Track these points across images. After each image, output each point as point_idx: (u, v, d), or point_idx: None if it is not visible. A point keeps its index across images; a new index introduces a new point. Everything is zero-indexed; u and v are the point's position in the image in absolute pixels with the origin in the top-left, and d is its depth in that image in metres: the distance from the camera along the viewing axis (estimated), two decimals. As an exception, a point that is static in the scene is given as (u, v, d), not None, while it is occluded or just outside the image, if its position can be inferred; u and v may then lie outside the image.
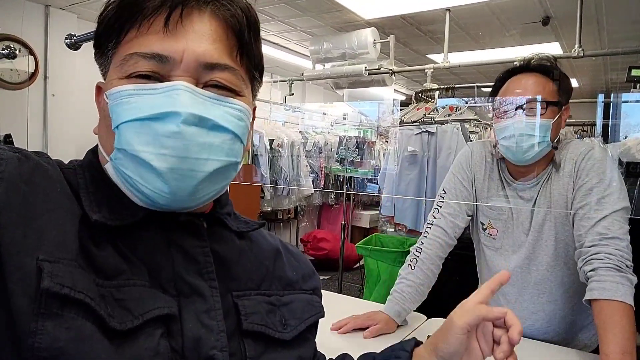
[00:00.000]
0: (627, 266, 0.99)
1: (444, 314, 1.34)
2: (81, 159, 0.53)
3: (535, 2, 3.04)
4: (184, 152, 0.45)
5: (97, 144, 0.52)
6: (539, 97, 1.12)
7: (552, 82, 1.14)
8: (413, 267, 1.24)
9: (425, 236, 1.27)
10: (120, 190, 0.49)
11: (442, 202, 1.29)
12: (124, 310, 0.42)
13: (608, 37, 3.65)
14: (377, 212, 3.64)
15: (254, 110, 0.58)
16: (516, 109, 1.13)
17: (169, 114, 0.45)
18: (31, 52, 3.39)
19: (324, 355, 0.68)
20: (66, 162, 0.52)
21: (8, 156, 0.43)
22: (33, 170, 0.44)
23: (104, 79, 0.51)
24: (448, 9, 2.98)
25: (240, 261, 0.55)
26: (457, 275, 1.47)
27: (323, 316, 0.64)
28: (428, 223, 1.29)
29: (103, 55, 0.51)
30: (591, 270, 1.01)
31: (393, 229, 3.15)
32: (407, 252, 2.75)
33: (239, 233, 0.57)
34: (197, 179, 0.46)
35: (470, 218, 1.31)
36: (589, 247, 1.03)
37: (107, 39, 0.49)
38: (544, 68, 1.16)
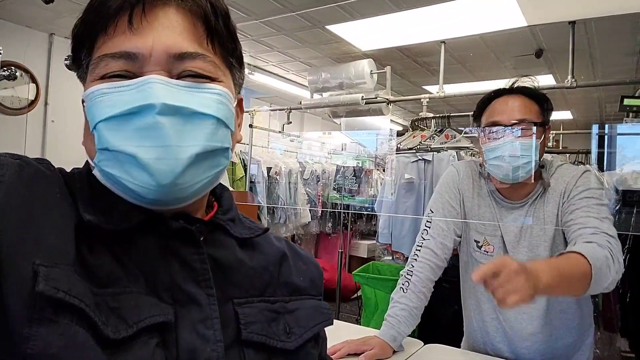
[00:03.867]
0: (611, 253, 0.99)
1: (441, 341, 1.32)
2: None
3: (528, 35, 3.12)
4: (165, 140, 0.44)
5: None
6: (528, 119, 1.15)
7: (536, 104, 1.18)
8: (405, 291, 1.22)
9: (415, 259, 1.25)
10: (115, 195, 0.48)
11: (430, 223, 1.28)
12: (118, 319, 0.41)
13: (601, 70, 3.73)
14: (375, 241, 3.61)
15: (240, 102, 0.57)
16: (505, 130, 1.15)
17: (143, 107, 0.44)
18: (33, 79, 3.45)
19: None
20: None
21: (9, 162, 0.43)
22: (33, 176, 0.43)
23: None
24: (443, 42, 3.06)
25: (241, 268, 0.53)
26: (456, 304, 1.45)
27: (331, 324, 0.61)
28: (417, 245, 1.27)
29: (80, 68, 0.50)
30: (581, 242, 1.02)
31: (390, 257, 3.12)
32: (405, 280, 2.70)
33: (242, 239, 0.56)
34: (181, 166, 0.45)
35: (459, 238, 1.30)
36: (584, 239, 1.04)
37: (79, 51, 0.49)
38: (527, 90, 1.19)
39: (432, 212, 1.30)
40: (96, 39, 0.48)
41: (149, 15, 0.47)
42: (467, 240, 1.30)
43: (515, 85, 1.20)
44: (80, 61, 0.50)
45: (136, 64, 0.46)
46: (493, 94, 1.22)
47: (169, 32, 0.47)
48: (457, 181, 1.30)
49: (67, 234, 0.42)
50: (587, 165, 2.65)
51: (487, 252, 1.25)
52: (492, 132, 1.17)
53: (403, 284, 1.24)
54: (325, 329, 0.62)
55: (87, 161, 0.53)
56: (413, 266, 1.24)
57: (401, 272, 1.27)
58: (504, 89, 1.21)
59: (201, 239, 0.50)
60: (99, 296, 0.41)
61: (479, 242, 1.27)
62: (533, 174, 1.17)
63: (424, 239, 1.26)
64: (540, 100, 1.19)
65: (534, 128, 1.15)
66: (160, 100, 0.44)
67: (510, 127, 1.15)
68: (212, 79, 0.49)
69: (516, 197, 1.22)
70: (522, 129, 1.14)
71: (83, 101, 0.51)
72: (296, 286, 0.58)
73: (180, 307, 0.46)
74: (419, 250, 1.26)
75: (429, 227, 1.27)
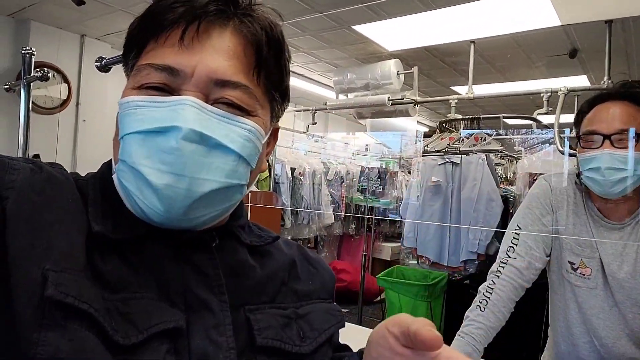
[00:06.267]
0: None
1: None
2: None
3: (561, 34, 3.02)
4: (181, 169, 0.44)
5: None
6: (631, 130, 1.04)
7: None
8: (483, 309, 1.14)
9: (498, 276, 1.17)
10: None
11: (518, 240, 1.20)
12: (128, 324, 0.41)
13: (638, 70, 3.58)
14: (399, 244, 3.56)
15: (275, 132, 0.57)
16: (604, 139, 1.05)
17: (170, 128, 0.44)
18: (65, 80, 3.54)
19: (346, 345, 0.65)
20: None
21: (21, 167, 0.43)
22: (45, 181, 0.43)
23: None
24: (473, 41, 2.98)
25: (253, 274, 0.53)
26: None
27: (343, 326, 0.61)
28: (501, 262, 1.19)
29: (126, 65, 0.51)
30: None
31: (415, 262, 3.07)
32: (430, 286, 2.66)
33: (252, 246, 0.56)
34: (192, 199, 0.45)
35: (548, 258, 1.21)
36: None
37: (129, 50, 0.50)
38: (635, 96, 1.08)
39: (520, 228, 1.22)
40: (146, 44, 0.48)
41: (202, 34, 0.46)
42: (559, 260, 1.21)
43: (622, 90, 1.10)
44: (128, 60, 0.50)
45: (176, 80, 0.46)
46: (595, 98, 1.12)
47: (217, 55, 0.46)
48: (550, 196, 1.21)
49: (77, 240, 0.42)
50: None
51: (584, 274, 1.16)
52: (589, 142, 1.08)
53: (481, 302, 1.16)
54: (348, 334, 0.62)
55: (103, 164, 0.53)
56: (494, 283, 1.17)
57: (479, 289, 1.20)
58: (607, 94, 1.11)
59: (213, 245, 0.50)
60: (109, 301, 0.41)
61: (574, 263, 1.17)
62: (636, 189, 1.06)
63: (510, 257, 1.18)
64: None
65: (634, 138, 1.03)
66: (188, 125, 0.43)
67: (609, 137, 1.04)
68: (247, 112, 0.48)
69: (617, 216, 1.13)
70: (622, 140, 1.04)
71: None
72: (305, 292, 0.58)
73: (193, 313, 0.46)
74: (503, 268, 1.18)
75: (516, 245, 1.19)
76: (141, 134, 0.45)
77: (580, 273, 1.16)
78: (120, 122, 0.47)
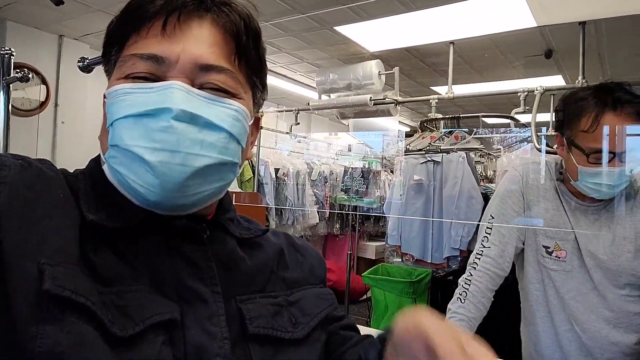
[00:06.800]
0: None
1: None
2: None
3: (537, 35, 3.10)
4: (175, 145, 0.45)
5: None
6: None
7: None
8: (463, 301, 1.16)
9: (474, 267, 1.19)
10: (119, 195, 0.49)
11: (491, 230, 1.21)
12: (125, 316, 0.41)
13: (611, 70, 3.70)
14: (383, 243, 3.60)
15: (257, 121, 0.58)
16: (614, 156, 1.04)
17: (160, 110, 0.45)
18: (43, 81, 3.47)
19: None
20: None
21: (11, 163, 0.43)
22: (35, 176, 0.44)
23: None
24: (452, 42, 3.04)
25: (242, 265, 0.54)
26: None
27: (336, 308, 0.62)
28: (477, 253, 1.21)
29: (108, 63, 0.52)
30: None
31: (400, 259, 3.11)
32: (415, 283, 2.70)
33: (241, 239, 0.56)
34: (186, 173, 0.45)
35: (523, 246, 1.23)
36: None
37: (110, 46, 0.51)
38: (636, 105, 1.04)
39: (493, 217, 1.24)
40: (128, 38, 0.49)
41: (183, 24, 0.48)
42: (533, 247, 1.22)
43: (616, 94, 1.06)
44: (110, 56, 0.51)
45: (162, 67, 0.47)
46: (593, 103, 1.06)
47: (200, 43, 0.48)
48: (521, 186, 1.23)
49: (70, 234, 0.42)
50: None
51: (559, 257, 1.18)
52: (595, 156, 1.05)
53: (461, 294, 1.18)
54: None
55: (90, 161, 0.53)
56: (471, 274, 1.19)
57: (459, 281, 1.22)
58: (606, 99, 1.06)
59: (205, 236, 0.51)
60: (104, 295, 0.41)
61: (548, 247, 1.19)
62: None
63: (484, 247, 1.20)
64: None
65: None
66: (179, 106, 0.45)
67: (620, 154, 1.04)
68: (232, 95, 0.50)
69: (591, 197, 1.14)
70: (630, 155, 1.05)
71: (105, 96, 0.51)
72: (294, 279, 0.59)
73: (187, 304, 0.46)
74: (479, 259, 1.20)
75: (489, 234, 1.21)
76: (132, 117, 0.45)
77: (556, 256, 1.19)
78: (108, 111, 0.48)
